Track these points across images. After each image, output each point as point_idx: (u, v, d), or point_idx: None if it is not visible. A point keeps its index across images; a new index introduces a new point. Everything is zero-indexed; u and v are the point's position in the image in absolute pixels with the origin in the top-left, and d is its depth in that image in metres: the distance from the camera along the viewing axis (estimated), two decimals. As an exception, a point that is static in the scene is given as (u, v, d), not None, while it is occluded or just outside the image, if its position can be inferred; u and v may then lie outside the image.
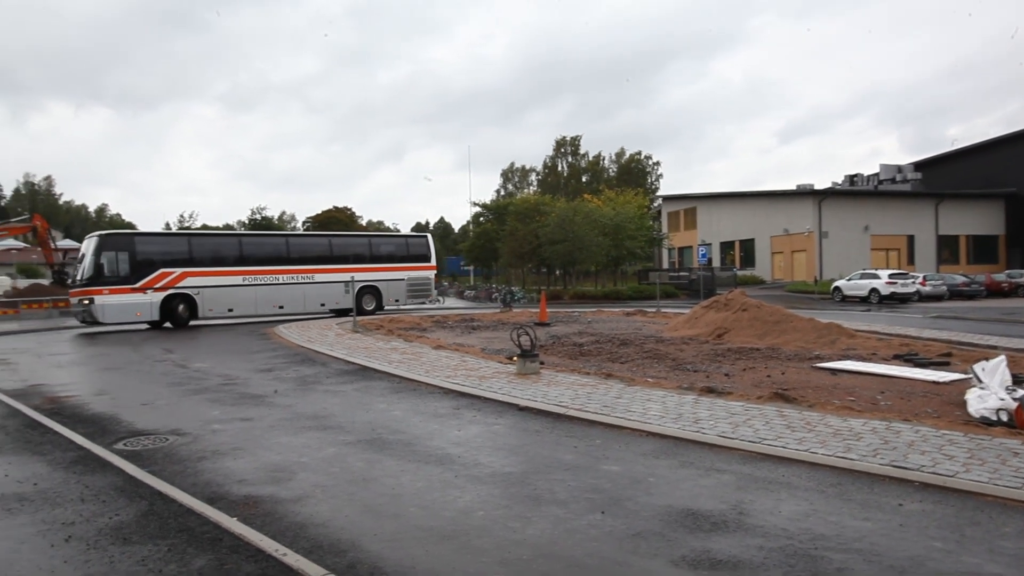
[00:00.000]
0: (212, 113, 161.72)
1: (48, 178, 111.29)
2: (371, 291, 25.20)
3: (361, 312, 24.00)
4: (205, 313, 21.91)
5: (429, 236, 28.54)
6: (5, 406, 8.95)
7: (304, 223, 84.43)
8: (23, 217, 50.51)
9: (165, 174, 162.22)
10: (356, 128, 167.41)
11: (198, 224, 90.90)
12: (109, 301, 20.27)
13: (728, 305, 16.58)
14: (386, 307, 25.65)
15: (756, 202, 50.97)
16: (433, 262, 27.75)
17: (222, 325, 22.20)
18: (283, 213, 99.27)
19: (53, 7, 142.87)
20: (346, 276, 23.73)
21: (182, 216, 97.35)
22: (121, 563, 4.03)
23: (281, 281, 23.51)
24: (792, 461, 5.85)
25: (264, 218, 75.24)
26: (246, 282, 22.82)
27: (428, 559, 4.04)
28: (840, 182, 60.86)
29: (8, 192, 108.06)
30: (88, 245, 21.32)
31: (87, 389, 10.21)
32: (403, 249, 27.07)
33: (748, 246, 51.15)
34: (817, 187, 50.45)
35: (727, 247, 53.39)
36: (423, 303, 27.32)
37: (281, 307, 23.44)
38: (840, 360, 11.52)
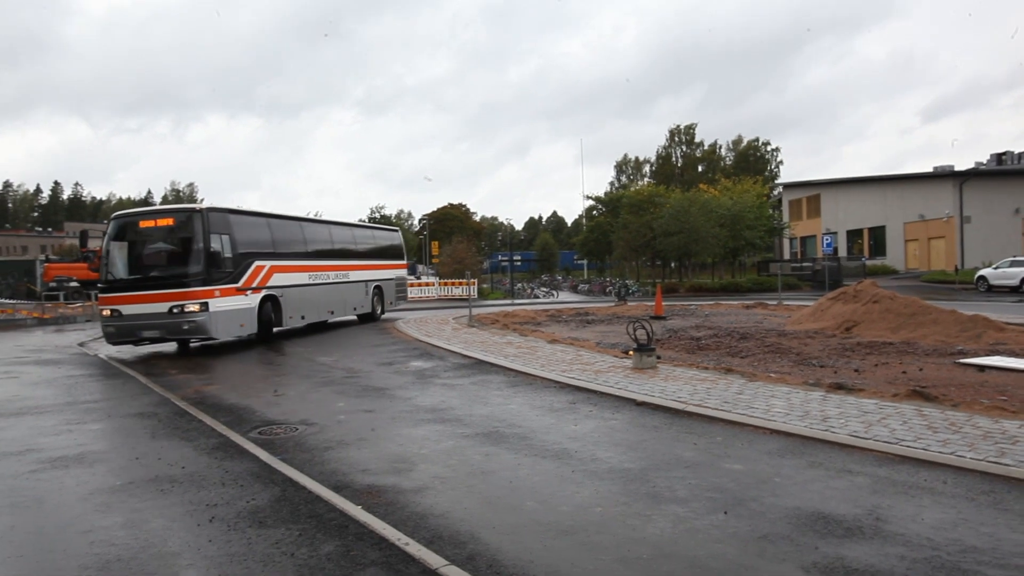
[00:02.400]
0: (349, 118, 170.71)
1: (191, 185, 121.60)
2: (378, 292, 21.67)
3: (373, 317, 21.33)
4: (286, 321, 16.61)
5: (399, 231, 25.95)
6: (159, 396, 9.75)
7: (420, 220, 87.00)
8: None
9: (304, 177, 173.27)
10: (483, 126, 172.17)
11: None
12: (221, 307, 14.03)
13: (857, 296, 15.62)
14: (387, 309, 22.57)
15: (887, 187, 47.73)
16: (405, 259, 25.07)
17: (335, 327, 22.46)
18: (400, 211, 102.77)
19: (217, 28, 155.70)
20: (367, 275, 20.88)
21: (307, 215, 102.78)
22: (257, 544, 4.28)
23: (332, 280, 18.93)
24: (935, 465, 5.41)
25: (383, 216, 77.76)
26: (312, 280, 17.95)
27: (546, 554, 4.03)
28: (985, 162, 56.01)
29: (158, 199, 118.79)
30: (167, 226, 14.20)
31: (223, 380, 10.95)
32: (391, 243, 23.76)
33: (878, 234, 48.01)
34: (959, 169, 46.58)
35: (854, 235, 50.36)
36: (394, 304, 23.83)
37: (332, 312, 19.05)
38: (988, 356, 10.57)
